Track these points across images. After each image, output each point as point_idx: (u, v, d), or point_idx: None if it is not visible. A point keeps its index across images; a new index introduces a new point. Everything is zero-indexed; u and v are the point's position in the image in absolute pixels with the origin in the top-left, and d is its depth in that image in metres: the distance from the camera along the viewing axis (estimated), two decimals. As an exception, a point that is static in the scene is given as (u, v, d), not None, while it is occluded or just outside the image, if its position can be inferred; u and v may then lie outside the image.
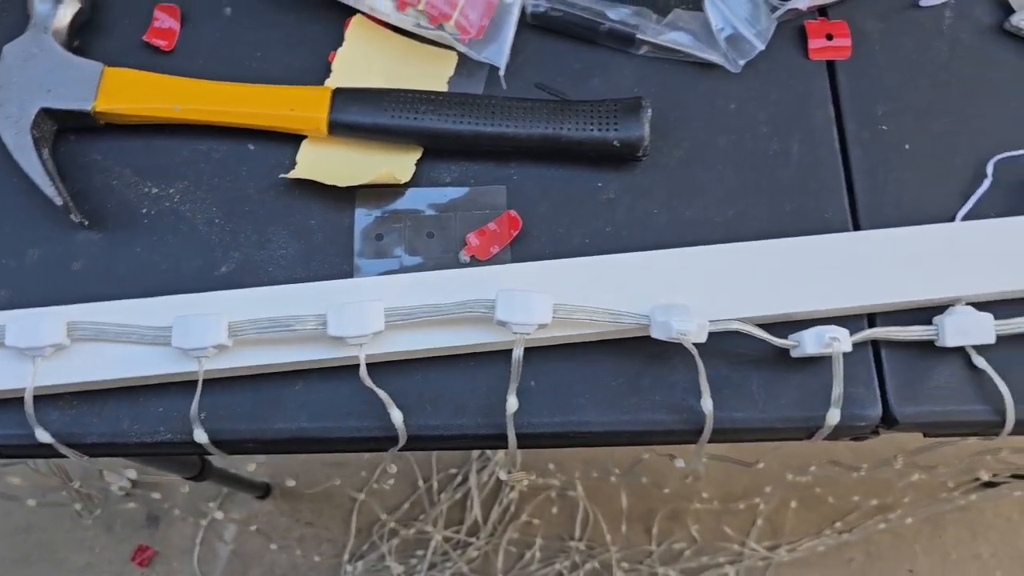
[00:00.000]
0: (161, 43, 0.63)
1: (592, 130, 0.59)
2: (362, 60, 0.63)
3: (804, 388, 0.57)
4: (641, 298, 0.55)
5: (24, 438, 0.54)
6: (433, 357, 0.56)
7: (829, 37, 0.64)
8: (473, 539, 1.31)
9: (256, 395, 0.56)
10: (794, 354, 0.56)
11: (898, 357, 0.58)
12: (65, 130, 0.62)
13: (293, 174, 0.59)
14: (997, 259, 0.58)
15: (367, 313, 0.53)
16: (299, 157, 0.61)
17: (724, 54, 0.63)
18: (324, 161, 0.60)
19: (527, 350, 0.57)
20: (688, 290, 0.56)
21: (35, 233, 0.60)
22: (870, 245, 0.59)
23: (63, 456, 0.56)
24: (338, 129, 0.59)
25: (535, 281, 0.56)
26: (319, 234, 0.60)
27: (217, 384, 0.56)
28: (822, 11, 0.66)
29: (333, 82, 0.62)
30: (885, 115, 0.64)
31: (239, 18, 0.65)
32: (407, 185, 0.60)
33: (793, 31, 0.66)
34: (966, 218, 0.61)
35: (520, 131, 0.59)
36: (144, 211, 0.60)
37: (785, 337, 0.56)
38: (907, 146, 0.63)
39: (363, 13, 0.63)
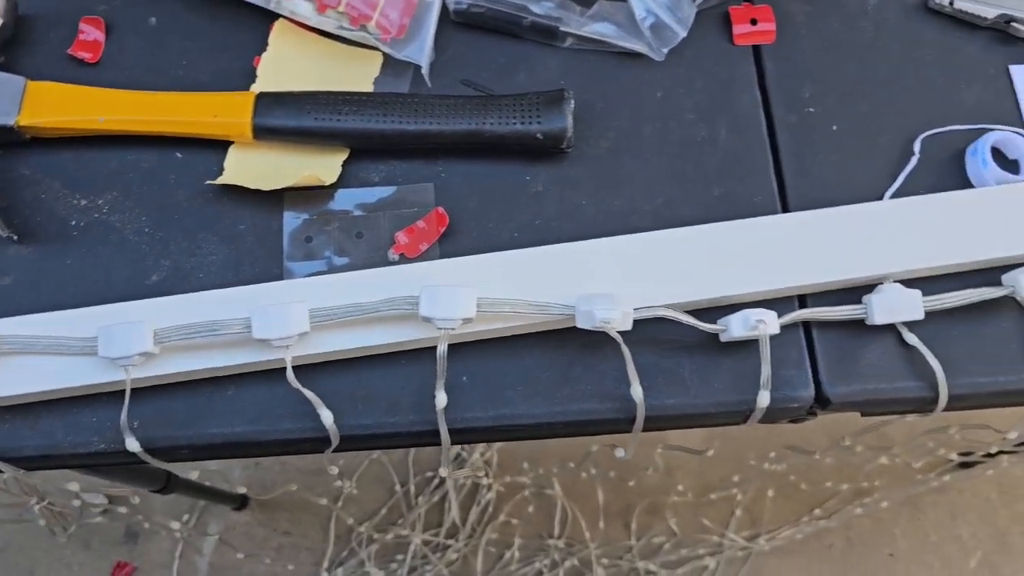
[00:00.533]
0: (86, 55, 0.63)
1: (515, 124, 0.59)
2: (287, 64, 0.63)
3: (736, 372, 0.57)
4: (569, 289, 0.56)
5: (-44, 455, 0.54)
6: (364, 356, 0.57)
7: (753, 22, 0.65)
8: (452, 541, 1.31)
9: (189, 401, 0.56)
10: (723, 339, 0.56)
11: (829, 337, 0.58)
12: (-8, 146, 0.62)
13: (220, 180, 0.59)
14: (925, 236, 0.59)
15: (291, 315, 0.53)
16: (227, 163, 0.61)
17: (648, 43, 0.63)
18: (251, 166, 0.60)
19: (458, 345, 0.57)
20: (617, 279, 0.57)
21: (-35, 250, 0.60)
22: (798, 226, 0.59)
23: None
24: (263, 133, 0.59)
25: (462, 276, 0.56)
26: (249, 238, 0.60)
27: (149, 392, 0.56)
28: (746, -4, 0.67)
29: (258, 87, 0.62)
30: (812, 97, 0.64)
31: (164, 27, 0.65)
32: (336, 186, 0.61)
33: (718, 17, 0.66)
34: (895, 196, 0.61)
35: (444, 128, 0.59)
36: (73, 223, 0.60)
37: (715, 322, 0.56)
38: (834, 127, 0.63)
39: (286, 18, 0.63)
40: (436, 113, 0.59)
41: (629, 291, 0.56)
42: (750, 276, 0.57)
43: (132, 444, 0.54)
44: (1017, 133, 0.62)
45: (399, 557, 1.30)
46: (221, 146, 0.61)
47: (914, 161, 0.62)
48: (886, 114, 0.64)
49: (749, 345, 0.57)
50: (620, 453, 0.61)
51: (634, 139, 0.62)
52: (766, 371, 0.54)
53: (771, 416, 0.58)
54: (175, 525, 0.88)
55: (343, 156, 0.61)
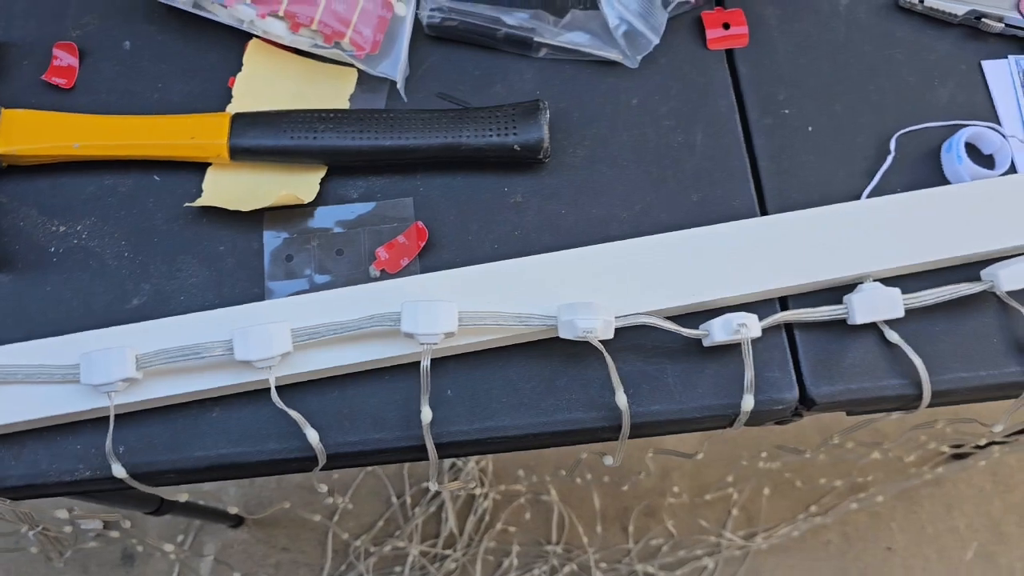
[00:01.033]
0: (61, 81, 0.63)
1: (492, 136, 0.59)
2: (262, 83, 0.63)
3: (720, 376, 0.57)
4: (551, 299, 0.56)
5: (-59, 487, 0.54)
6: (348, 373, 0.57)
7: (726, 26, 0.65)
8: (450, 551, 1.31)
9: (173, 425, 0.56)
10: (706, 343, 0.57)
11: (812, 338, 0.58)
12: (-31, 175, 0.62)
13: (199, 202, 0.59)
14: (903, 234, 0.59)
15: (272, 335, 0.53)
16: (205, 184, 0.61)
17: (622, 51, 0.63)
18: (229, 187, 0.60)
19: (442, 359, 0.57)
20: (598, 288, 0.57)
21: (-56, 280, 0.60)
22: (776, 229, 0.59)
23: (-16, 502, 0.56)
24: (239, 154, 0.59)
25: (443, 290, 0.56)
26: (229, 259, 0.60)
27: (133, 417, 0.56)
28: (719, 0, 0.67)
29: (234, 107, 0.62)
30: (787, 99, 0.64)
31: (138, 51, 0.65)
32: (315, 204, 0.61)
33: (691, 23, 0.66)
34: (872, 195, 0.62)
35: (420, 142, 0.59)
36: (52, 250, 0.60)
37: (697, 327, 0.56)
38: (810, 128, 0.63)
39: (260, 37, 0.63)
40: (412, 128, 0.59)
41: (611, 299, 0.56)
42: (731, 280, 0.58)
43: (118, 470, 0.54)
44: (991, 128, 0.63)
45: (397, 569, 1.30)
46: (199, 168, 0.61)
47: (890, 160, 0.62)
48: (861, 114, 0.64)
49: (732, 349, 0.57)
50: (608, 461, 0.61)
51: (611, 147, 0.63)
52: (749, 374, 0.54)
53: (757, 419, 0.58)
54: (168, 547, 0.87)
55: (321, 174, 0.61)
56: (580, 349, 0.57)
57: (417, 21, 0.64)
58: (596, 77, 0.64)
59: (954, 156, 0.61)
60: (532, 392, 0.56)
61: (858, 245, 0.58)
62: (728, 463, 1.30)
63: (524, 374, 0.57)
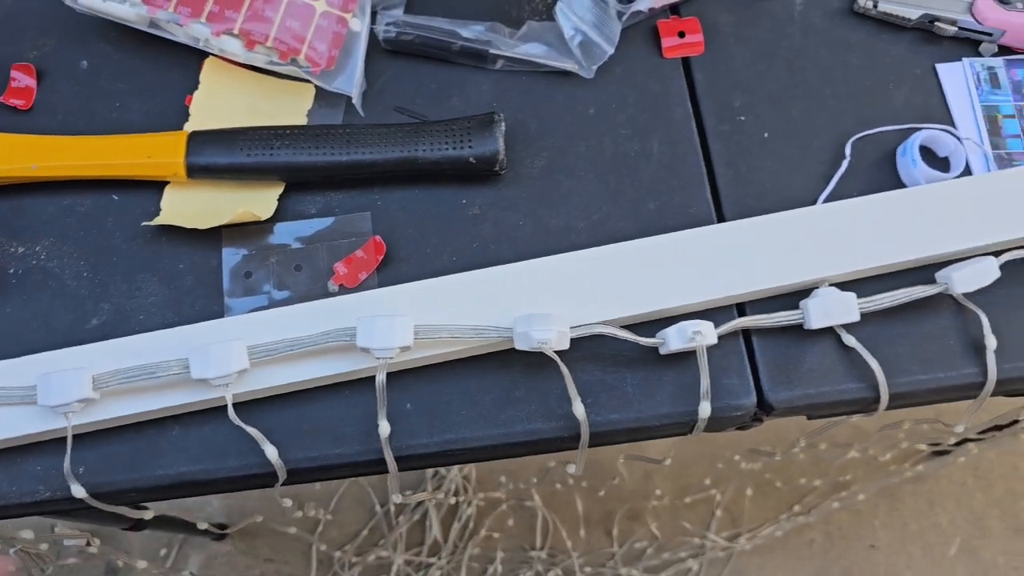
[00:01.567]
0: (19, 102, 0.64)
1: (447, 149, 0.59)
2: (220, 101, 0.63)
3: (678, 384, 0.57)
4: (509, 311, 0.56)
5: (-99, 511, 0.54)
6: (307, 389, 0.57)
7: (681, 35, 0.65)
8: (435, 559, 1.31)
9: (133, 444, 0.56)
10: (662, 351, 0.57)
11: (769, 344, 0.59)
12: (-73, 198, 0.62)
13: (157, 221, 0.60)
14: (858, 238, 0.59)
15: (229, 353, 0.53)
16: (163, 203, 0.61)
17: (578, 61, 0.64)
18: (187, 205, 0.61)
19: (400, 373, 0.57)
20: (555, 298, 0.57)
21: (-97, 304, 0.60)
22: (733, 235, 0.59)
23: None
24: (196, 172, 0.60)
25: (401, 304, 0.56)
26: (188, 277, 0.60)
27: (93, 437, 0.56)
28: (674, 9, 0.67)
29: (191, 126, 0.62)
30: (742, 106, 0.65)
31: (96, 71, 0.65)
32: (273, 220, 0.61)
33: (647, 32, 0.67)
34: (828, 199, 0.62)
35: (377, 157, 0.59)
36: (11, 271, 0.60)
37: (654, 335, 0.57)
38: (766, 134, 0.64)
39: (216, 55, 0.63)
40: (368, 143, 0.59)
41: (568, 309, 0.56)
42: (687, 288, 0.58)
43: (78, 491, 0.54)
44: (946, 131, 0.63)
45: (382, 578, 1.30)
46: (157, 187, 0.62)
47: (846, 164, 0.63)
48: (817, 119, 0.64)
49: (690, 356, 0.57)
50: (571, 469, 0.62)
51: (569, 157, 0.63)
52: (705, 382, 0.55)
53: (716, 425, 0.59)
54: (142, 564, 0.87)
55: (278, 190, 0.61)
56: (538, 360, 0.57)
57: (374, 36, 0.64)
58: (552, 88, 0.65)
59: (909, 160, 0.62)
60: (491, 404, 0.57)
61: (814, 250, 0.59)
62: (710, 464, 1.30)
63: (483, 386, 0.57)
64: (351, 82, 0.61)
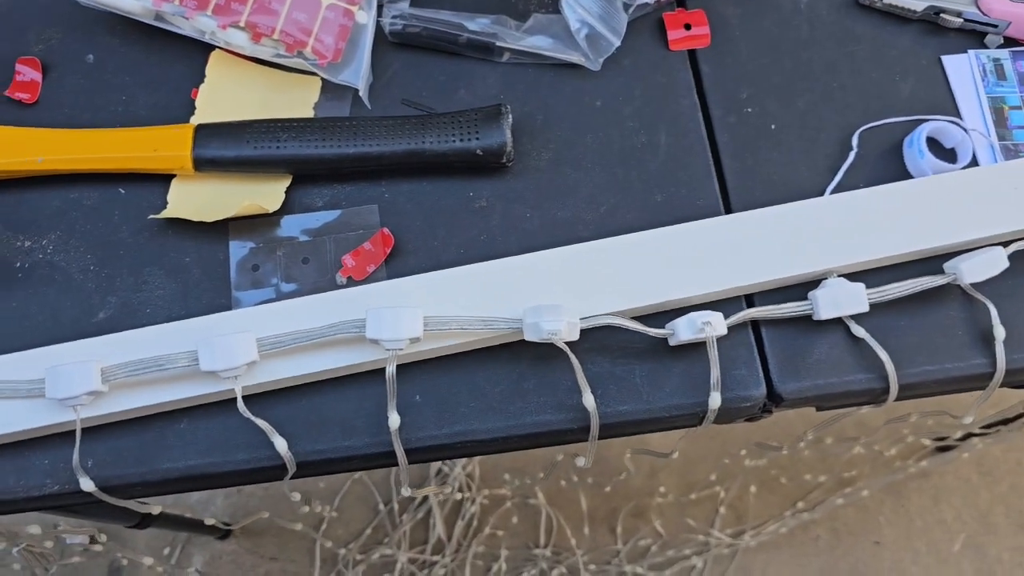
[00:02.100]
0: (24, 96, 0.63)
1: (454, 141, 0.59)
2: (225, 94, 0.63)
3: (687, 375, 0.57)
4: (518, 302, 0.56)
5: (-92, 505, 0.54)
6: (316, 381, 0.57)
7: (687, 27, 0.65)
8: (439, 557, 1.31)
9: (141, 437, 0.56)
10: (671, 342, 0.57)
11: (778, 335, 0.59)
12: (-67, 192, 0.62)
13: (164, 214, 0.59)
14: (866, 229, 0.59)
15: (237, 345, 0.53)
16: (170, 196, 0.61)
17: (584, 53, 0.64)
18: (194, 198, 0.60)
19: (410, 365, 0.57)
20: (565, 290, 0.57)
21: (-92, 297, 0.59)
22: (741, 227, 0.59)
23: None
24: (203, 165, 0.59)
25: (410, 296, 0.56)
26: (195, 270, 0.60)
27: (101, 430, 0.56)
28: (680, 1, 0.67)
29: (198, 119, 0.62)
30: (749, 98, 0.65)
31: (102, 64, 0.65)
32: (280, 213, 0.61)
33: (653, 24, 0.66)
34: (835, 191, 0.62)
35: (384, 149, 0.59)
36: (18, 265, 0.60)
37: (663, 326, 0.56)
38: (773, 126, 0.64)
39: (222, 48, 0.63)
40: (375, 135, 0.59)
41: (577, 301, 0.56)
42: (696, 279, 0.58)
43: (86, 484, 0.54)
44: (952, 122, 0.63)
45: (386, 576, 1.30)
46: (163, 180, 0.61)
47: (853, 156, 0.63)
48: (823, 110, 0.64)
49: (699, 347, 0.57)
50: (581, 462, 0.61)
51: (575, 149, 0.63)
52: (715, 372, 0.55)
53: (725, 416, 0.59)
54: (148, 561, 0.87)
55: (286, 183, 0.61)
56: (547, 352, 0.57)
57: (380, 29, 0.64)
58: (559, 80, 0.65)
59: (916, 151, 0.62)
60: (500, 395, 0.56)
61: (822, 241, 0.59)
62: (715, 461, 1.30)
63: (492, 378, 0.57)
64: (358, 75, 0.61)
